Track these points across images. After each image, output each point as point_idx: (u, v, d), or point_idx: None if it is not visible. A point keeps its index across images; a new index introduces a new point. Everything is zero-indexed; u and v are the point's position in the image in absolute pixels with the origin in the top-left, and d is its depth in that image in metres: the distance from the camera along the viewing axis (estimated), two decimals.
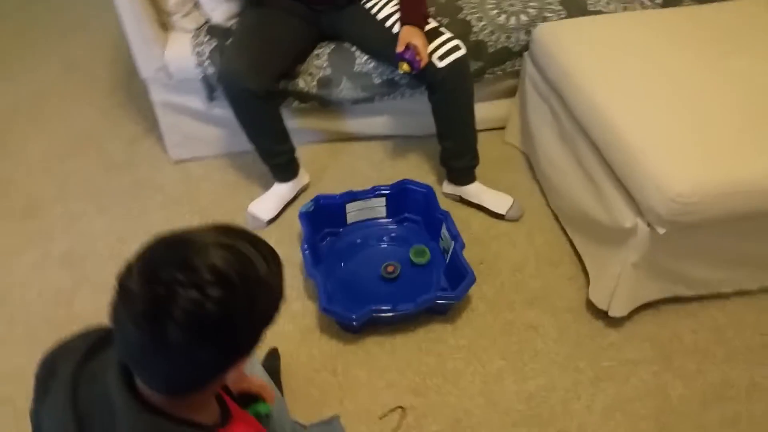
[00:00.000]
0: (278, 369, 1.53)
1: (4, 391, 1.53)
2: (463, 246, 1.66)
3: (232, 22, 1.87)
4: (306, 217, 1.74)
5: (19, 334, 1.67)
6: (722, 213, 1.31)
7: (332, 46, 1.88)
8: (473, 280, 1.57)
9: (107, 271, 1.80)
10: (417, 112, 1.94)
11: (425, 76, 1.71)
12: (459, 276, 1.59)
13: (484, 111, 2.11)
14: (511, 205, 1.88)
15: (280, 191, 1.93)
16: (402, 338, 1.60)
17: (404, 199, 1.83)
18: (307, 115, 2.06)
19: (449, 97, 1.75)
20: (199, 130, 2.04)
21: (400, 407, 1.46)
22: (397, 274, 1.69)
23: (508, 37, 1.90)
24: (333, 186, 2.01)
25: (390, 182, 1.83)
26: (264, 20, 1.77)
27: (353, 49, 1.86)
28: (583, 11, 1.90)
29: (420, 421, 1.44)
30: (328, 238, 1.82)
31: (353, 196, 1.80)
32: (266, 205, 1.91)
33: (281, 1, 1.76)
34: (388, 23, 1.72)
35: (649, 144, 1.38)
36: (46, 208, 2.03)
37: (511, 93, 2.10)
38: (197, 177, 2.09)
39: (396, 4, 1.73)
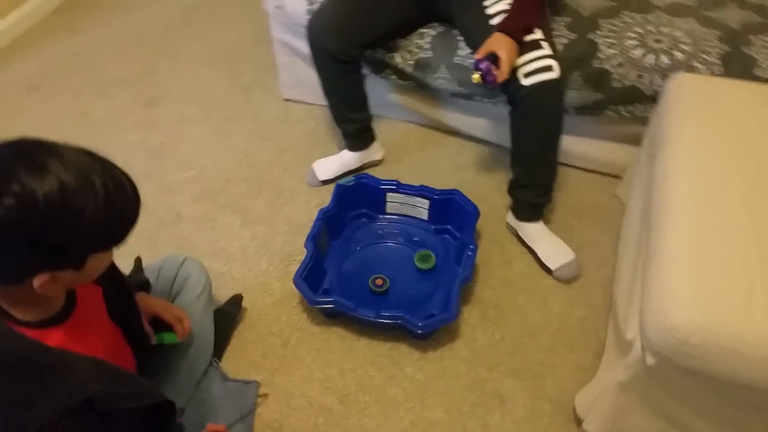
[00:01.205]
0: (234, 317, 1.55)
1: None
2: (466, 281, 1.49)
3: None
4: (341, 189, 1.71)
5: None
6: (723, 372, 0.98)
7: (441, 29, 1.76)
8: (447, 320, 1.42)
9: (174, 175, 1.99)
10: None
11: (508, 90, 1.52)
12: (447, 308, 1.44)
13: (602, 151, 1.84)
14: (567, 264, 1.63)
15: (344, 158, 1.90)
16: (365, 343, 1.51)
17: (447, 209, 1.69)
18: (407, 93, 1.98)
19: (528, 120, 1.54)
20: (310, 77, 2.08)
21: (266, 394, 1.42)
22: (386, 288, 1.58)
23: (640, 76, 1.59)
24: (407, 171, 1.93)
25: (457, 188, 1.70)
26: None
27: (459, 38, 1.72)
28: (746, 73, 1.50)
29: (329, 428, 1.37)
30: (363, 219, 1.77)
31: (397, 188, 1.71)
32: (328, 165, 1.91)
33: None
34: (494, 21, 1.55)
35: (685, 256, 1.06)
36: (166, 103, 2.28)
37: (638, 140, 1.77)
38: (293, 119, 2.16)
39: (510, 3, 1.55)
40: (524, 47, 1.47)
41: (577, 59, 1.62)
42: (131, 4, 2.82)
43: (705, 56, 1.54)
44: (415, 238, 1.71)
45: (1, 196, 0.73)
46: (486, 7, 1.58)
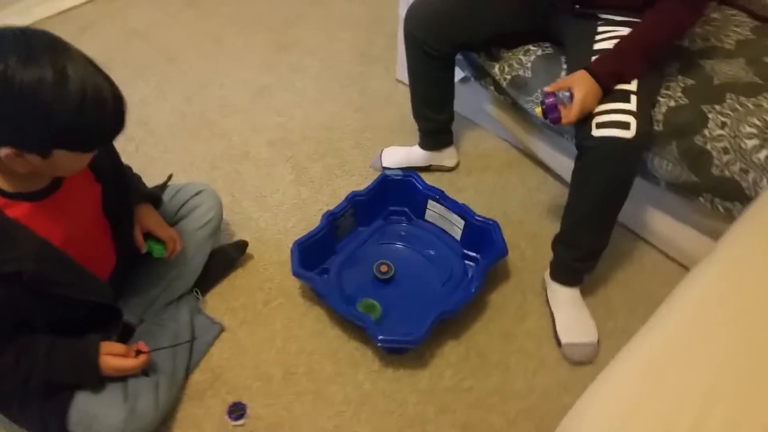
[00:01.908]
0: (232, 259, 1.61)
1: None
2: (448, 315, 1.38)
3: None
4: (383, 180, 1.66)
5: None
6: None
7: (549, 51, 1.60)
8: (407, 343, 1.34)
9: (263, 116, 2.09)
10: None
11: (578, 135, 1.34)
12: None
13: (685, 238, 1.60)
14: (582, 344, 1.43)
15: (413, 153, 1.84)
16: (335, 334, 1.48)
17: (480, 237, 1.56)
18: (503, 108, 1.84)
19: (589, 174, 1.35)
20: None
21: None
22: (392, 275, 1.52)
23: (745, 171, 1.31)
24: (473, 187, 1.84)
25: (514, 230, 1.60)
26: None
27: (564, 65, 1.55)
28: None
29: (259, 395, 1.37)
30: (402, 217, 1.71)
31: (438, 198, 1.62)
32: (395, 154, 1.87)
33: None
34: (595, 58, 1.37)
35: (638, 373, 0.88)
36: (294, 51, 2.38)
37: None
38: (393, 100, 2.13)
39: (620, 39, 1.36)
40: (609, 95, 1.30)
41: (678, 129, 1.38)
42: None
43: None
44: (431, 252, 1.62)
45: None
46: (596, 41, 1.41)
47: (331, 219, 1.57)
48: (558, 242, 1.49)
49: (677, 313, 0.96)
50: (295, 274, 1.46)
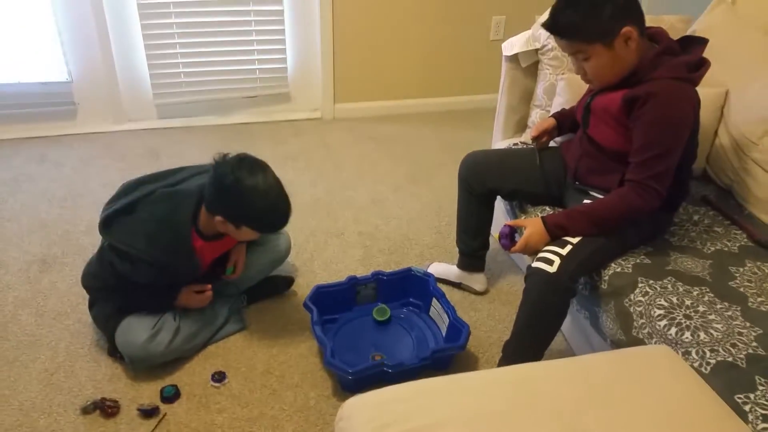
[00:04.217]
0: (279, 288, 2.19)
1: None
2: (390, 367, 1.73)
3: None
4: (407, 271, 2.12)
5: None
6: None
7: None
8: (345, 372, 1.71)
9: (368, 216, 2.71)
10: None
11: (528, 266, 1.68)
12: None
13: None
14: None
15: (451, 268, 2.26)
16: (315, 364, 1.91)
17: (456, 333, 1.89)
18: None
19: (524, 296, 1.66)
20: None
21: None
22: (387, 319, 2.01)
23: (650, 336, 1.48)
24: (487, 313, 2.16)
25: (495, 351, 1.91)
26: (520, 152, 2.09)
27: None
28: None
29: (229, 420, 1.86)
30: (416, 309, 2.11)
31: (440, 298, 2.00)
32: (439, 266, 2.30)
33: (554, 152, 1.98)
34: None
35: None
36: (418, 184, 3.01)
37: None
38: None
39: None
40: (553, 241, 1.64)
41: (615, 290, 1.61)
42: None
43: (723, 350, 1.35)
44: (414, 334, 2.01)
45: (231, 173, 1.65)
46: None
47: (352, 282, 2.07)
48: (502, 351, 1.77)
49: None
50: (304, 304, 1.97)
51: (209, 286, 1.90)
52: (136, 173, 1.91)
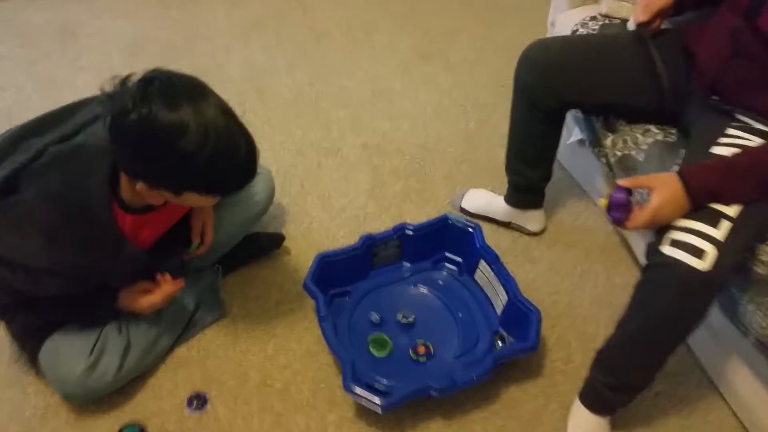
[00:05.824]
0: (262, 250, 1.59)
1: None
2: (441, 392, 1.22)
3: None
4: (443, 221, 1.52)
5: None
6: None
7: (672, 139, 1.33)
8: (373, 405, 1.19)
9: (371, 119, 2.03)
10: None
11: (649, 244, 1.09)
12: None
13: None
14: None
15: (495, 202, 1.67)
16: (327, 361, 1.39)
17: (518, 321, 1.36)
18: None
19: (645, 294, 1.09)
20: None
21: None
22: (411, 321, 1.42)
23: None
24: (548, 264, 1.62)
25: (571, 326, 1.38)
26: (615, 42, 1.37)
27: (678, 159, 1.27)
28: None
29: (220, 397, 1.33)
30: (455, 268, 1.55)
31: (491, 262, 1.43)
32: (478, 198, 1.71)
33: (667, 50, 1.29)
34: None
35: None
36: (433, 62, 2.28)
37: None
38: None
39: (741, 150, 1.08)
40: (698, 212, 1.03)
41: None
42: None
43: None
44: (461, 315, 1.46)
45: (133, 110, 0.92)
46: (717, 143, 1.13)
47: (368, 244, 1.47)
48: (595, 359, 1.24)
49: None
50: (304, 285, 1.39)
51: (164, 277, 1.27)
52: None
